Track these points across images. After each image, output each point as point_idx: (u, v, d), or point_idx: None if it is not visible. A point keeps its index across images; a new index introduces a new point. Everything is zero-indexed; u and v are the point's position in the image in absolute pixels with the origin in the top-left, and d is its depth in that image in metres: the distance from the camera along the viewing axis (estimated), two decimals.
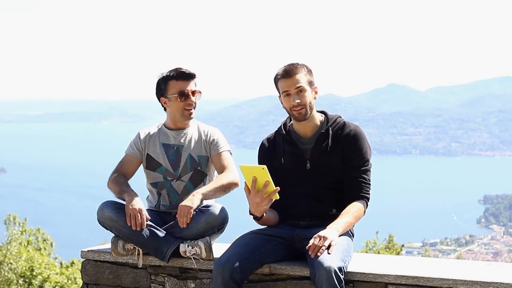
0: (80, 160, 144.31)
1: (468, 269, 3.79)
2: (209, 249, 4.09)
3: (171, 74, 4.32)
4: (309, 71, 3.99)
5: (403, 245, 16.79)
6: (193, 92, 4.32)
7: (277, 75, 3.98)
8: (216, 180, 4.26)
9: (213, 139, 4.37)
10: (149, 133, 4.44)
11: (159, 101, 4.39)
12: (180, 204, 4.13)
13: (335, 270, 3.52)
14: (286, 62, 4.02)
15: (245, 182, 3.79)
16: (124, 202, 4.24)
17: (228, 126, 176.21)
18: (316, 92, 4.00)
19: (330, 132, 3.98)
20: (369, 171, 3.95)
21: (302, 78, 3.93)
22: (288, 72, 3.94)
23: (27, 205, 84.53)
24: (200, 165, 4.36)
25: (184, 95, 4.29)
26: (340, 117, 4.07)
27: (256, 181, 3.74)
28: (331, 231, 3.73)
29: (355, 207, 3.88)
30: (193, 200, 4.11)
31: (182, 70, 4.33)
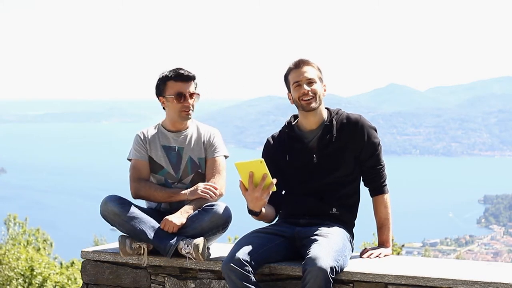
0: (80, 160, 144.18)
1: (468, 269, 3.79)
2: (197, 250, 4.03)
3: (170, 75, 4.28)
4: (319, 69, 4.08)
5: (403, 245, 16.71)
6: (191, 95, 4.29)
7: (289, 67, 4.05)
8: (202, 198, 4.21)
9: (211, 142, 4.35)
10: (148, 134, 4.38)
11: (158, 100, 4.36)
12: (166, 217, 4.13)
13: (325, 269, 3.52)
14: (286, 62, 4.08)
15: (240, 180, 3.73)
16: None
17: (228, 126, 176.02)
18: (324, 90, 4.07)
19: (334, 122, 4.02)
20: (381, 153, 4.05)
21: (313, 71, 4.02)
22: (300, 64, 4.02)
23: (27, 205, 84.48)
24: (200, 167, 4.34)
25: (181, 97, 4.27)
26: (341, 109, 4.12)
27: (253, 176, 3.69)
28: (386, 250, 4.10)
29: (384, 204, 4.05)
30: (180, 219, 4.12)
31: (181, 71, 4.29)
